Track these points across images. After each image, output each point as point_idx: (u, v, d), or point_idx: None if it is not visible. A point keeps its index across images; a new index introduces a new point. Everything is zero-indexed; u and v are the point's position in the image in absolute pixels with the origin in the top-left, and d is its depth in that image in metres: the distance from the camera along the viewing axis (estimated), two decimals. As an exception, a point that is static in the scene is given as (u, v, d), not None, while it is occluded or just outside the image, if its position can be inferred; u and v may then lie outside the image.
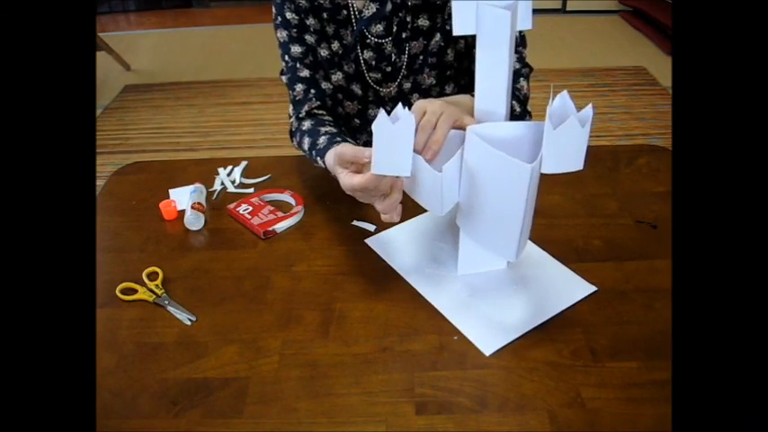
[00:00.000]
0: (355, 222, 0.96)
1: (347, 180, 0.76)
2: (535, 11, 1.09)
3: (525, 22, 0.72)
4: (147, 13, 4.55)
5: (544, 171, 0.69)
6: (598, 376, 0.69)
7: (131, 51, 3.64)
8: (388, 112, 0.70)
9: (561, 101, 0.68)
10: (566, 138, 0.66)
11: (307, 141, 1.00)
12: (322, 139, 0.96)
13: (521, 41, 1.05)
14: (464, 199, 0.77)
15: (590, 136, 0.67)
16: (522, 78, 1.04)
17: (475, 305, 0.80)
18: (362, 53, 1.03)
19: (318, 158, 0.96)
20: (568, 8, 4.00)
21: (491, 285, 0.83)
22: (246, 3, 4.54)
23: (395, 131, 0.69)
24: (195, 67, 3.50)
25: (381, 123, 0.69)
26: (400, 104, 0.70)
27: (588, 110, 0.66)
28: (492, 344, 0.74)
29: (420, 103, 0.77)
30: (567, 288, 0.82)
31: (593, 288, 0.81)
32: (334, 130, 1.00)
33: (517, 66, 1.04)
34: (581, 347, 0.73)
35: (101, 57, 3.32)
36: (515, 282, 0.83)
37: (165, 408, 0.68)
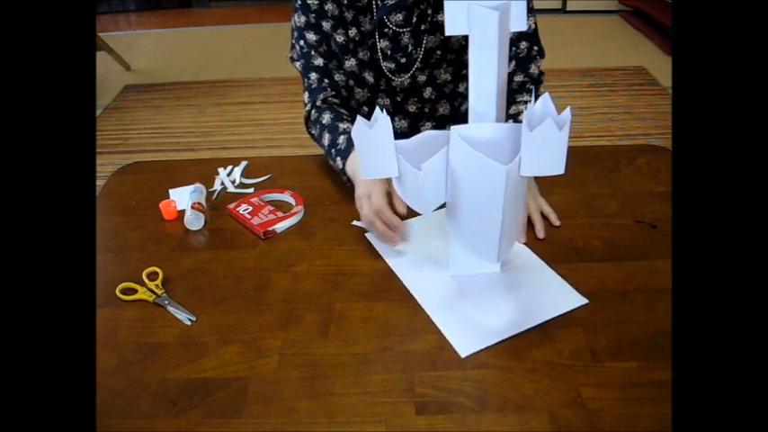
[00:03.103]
0: (355, 222, 0.96)
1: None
2: (535, 10, 1.09)
3: (519, 23, 0.71)
4: (147, 13, 4.55)
5: (523, 173, 0.68)
6: (598, 376, 0.69)
7: (131, 51, 3.64)
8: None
9: (543, 103, 0.68)
10: (543, 140, 0.65)
11: (327, 138, 1.03)
12: (341, 139, 1.00)
13: (538, 51, 1.06)
14: (449, 200, 0.77)
15: (571, 136, 0.67)
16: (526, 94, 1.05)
17: (461, 306, 0.80)
18: (379, 41, 1.03)
19: (338, 158, 0.99)
20: (568, 8, 4.00)
21: (481, 288, 0.83)
22: (246, 3, 4.54)
23: (374, 135, 0.71)
24: (195, 67, 3.49)
25: (359, 128, 0.71)
26: (377, 108, 0.72)
27: (566, 113, 0.65)
28: (469, 346, 0.74)
29: None
30: (558, 298, 0.80)
31: (583, 300, 0.80)
32: (352, 126, 1.02)
33: (525, 78, 1.05)
34: (581, 347, 0.73)
35: (101, 57, 3.32)
36: (506, 286, 0.83)
37: (165, 408, 0.68)
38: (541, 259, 0.87)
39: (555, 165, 0.67)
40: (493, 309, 0.79)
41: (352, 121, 1.05)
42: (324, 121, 1.05)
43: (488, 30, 0.68)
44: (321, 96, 1.07)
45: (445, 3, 0.70)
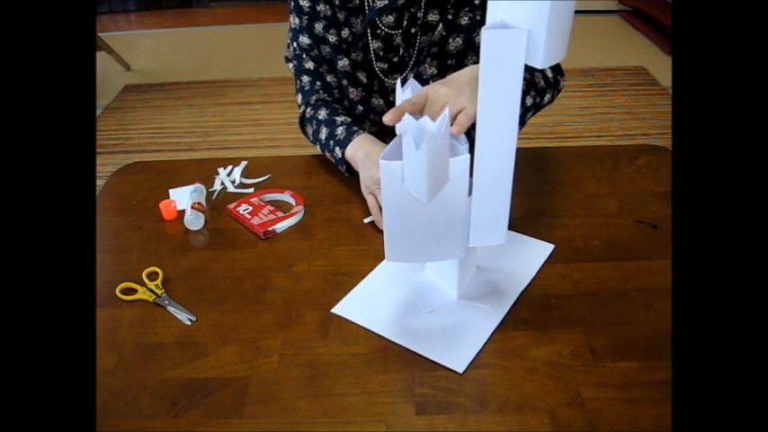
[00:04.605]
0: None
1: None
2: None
3: (535, 58, 0.59)
4: (147, 13, 4.55)
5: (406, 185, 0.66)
6: (598, 376, 0.69)
7: (131, 51, 3.64)
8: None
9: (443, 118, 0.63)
10: (406, 154, 0.63)
11: (324, 131, 1.04)
12: (340, 130, 1.01)
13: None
14: None
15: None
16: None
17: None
18: (372, 42, 1.04)
19: (337, 148, 1.00)
20: (568, 8, 4.00)
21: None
22: (246, 3, 4.54)
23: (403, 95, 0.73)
24: (195, 67, 3.50)
25: (410, 84, 0.74)
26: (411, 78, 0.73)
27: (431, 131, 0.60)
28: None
29: (430, 91, 0.76)
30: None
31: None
32: (348, 119, 1.05)
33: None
34: (581, 347, 0.73)
35: (101, 57, 3.32)
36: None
37: (165, 408, 0.68)
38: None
39: (419, 190, 0.65)
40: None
41: (348, 116, 1.06)
42: (320, 117, 1.06)
43: (499, 57, 0.60)
44: (314, 97, 1.09)
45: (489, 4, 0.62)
